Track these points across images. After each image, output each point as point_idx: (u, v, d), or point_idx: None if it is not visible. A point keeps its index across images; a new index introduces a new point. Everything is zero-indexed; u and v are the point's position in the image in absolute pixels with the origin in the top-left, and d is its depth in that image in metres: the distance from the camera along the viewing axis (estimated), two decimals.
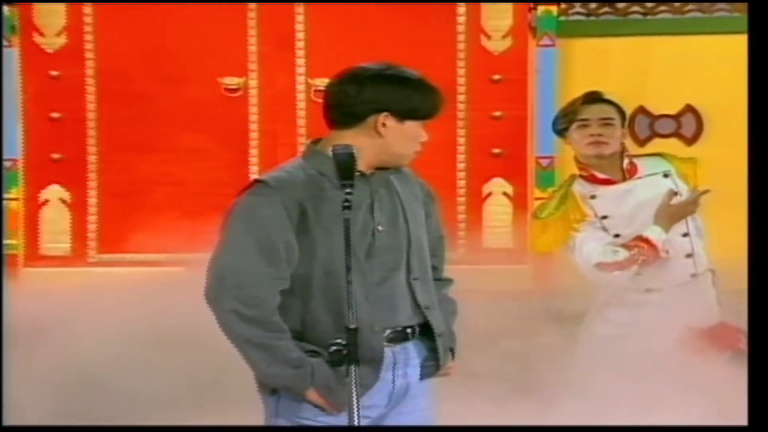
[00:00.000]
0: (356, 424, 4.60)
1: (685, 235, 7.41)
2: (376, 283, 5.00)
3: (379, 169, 5.15)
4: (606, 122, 7.32)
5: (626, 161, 7.44)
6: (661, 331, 7.25)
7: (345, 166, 4.80)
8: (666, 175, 7.45)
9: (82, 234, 11.03)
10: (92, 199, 11.02)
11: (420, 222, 5.22)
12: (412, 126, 5.05)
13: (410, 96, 5.05)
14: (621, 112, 7.54)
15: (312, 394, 4.94)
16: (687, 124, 10.93)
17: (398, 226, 5.10)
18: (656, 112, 10.89)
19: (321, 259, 4.95)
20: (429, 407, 5.30)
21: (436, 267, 5.36)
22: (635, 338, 7.28)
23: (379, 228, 5.02)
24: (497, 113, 10.95)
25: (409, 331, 5.07)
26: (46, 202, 11.04)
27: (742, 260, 9.83)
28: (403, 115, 5.01)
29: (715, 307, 7.50)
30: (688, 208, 7.38)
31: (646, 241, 7.18)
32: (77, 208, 11.03)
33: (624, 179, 7.38)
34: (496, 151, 10.98)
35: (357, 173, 4.90)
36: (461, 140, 11.00)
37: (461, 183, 10.74)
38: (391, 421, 5.15)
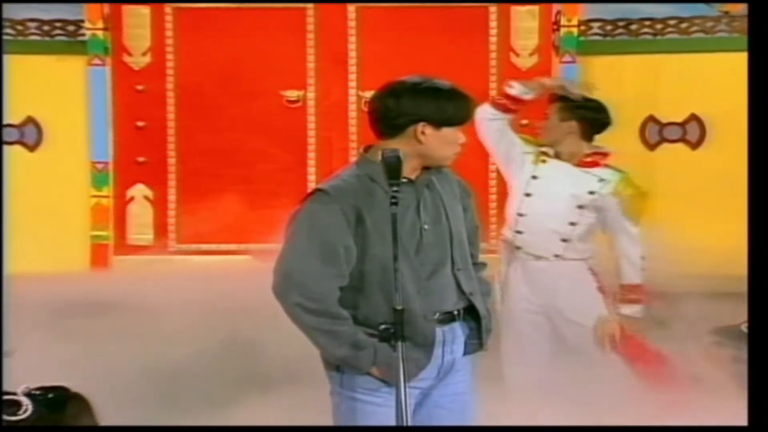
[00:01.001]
0: (404, 396, 4.59)
1: (572, 224, 7.42)
2: (425, 278, 4.96)
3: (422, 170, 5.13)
4: (545, 116, 7.67)
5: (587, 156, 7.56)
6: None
7: (392, 168, 4.73)
8: (601, 180, 7.42)
9: (163, 227, 11.10)
10: (172, 197, 11.11)
11: (459, 218, 5.17)
12: (449, 132, 4.99)
13: (444, 105, 5.00)
14: (568, 108, 7.64)
15: (374, 370, 4.94)
16: (692, 131, 10.91)
17: (441, 224, 5.06)
18: (664, 120, 10.88)
19: (377, 257, 4.91)
20: (470, 379, 5.23)
21: (473, 254, 5.28)
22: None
23: (425, 227, 4.98)
24: (524, 121, 10.86)
25: (455, 313, 5.03)
26: (132, 199, 11.10)
27: (741, 253, 9.94)
28: (439, 123, 4.97)
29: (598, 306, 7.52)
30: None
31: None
32: (159, 204, 11.11)
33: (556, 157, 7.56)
34: None
35: (404, 179, 4.87)
36: None
37: (492, 182, 10.48)
38: (438, 391, 5.11)
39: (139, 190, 11.14)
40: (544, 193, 7.46)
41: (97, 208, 11.02)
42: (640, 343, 7.01)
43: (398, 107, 4.99)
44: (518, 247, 7.49)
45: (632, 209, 7.52)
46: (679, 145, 10.85)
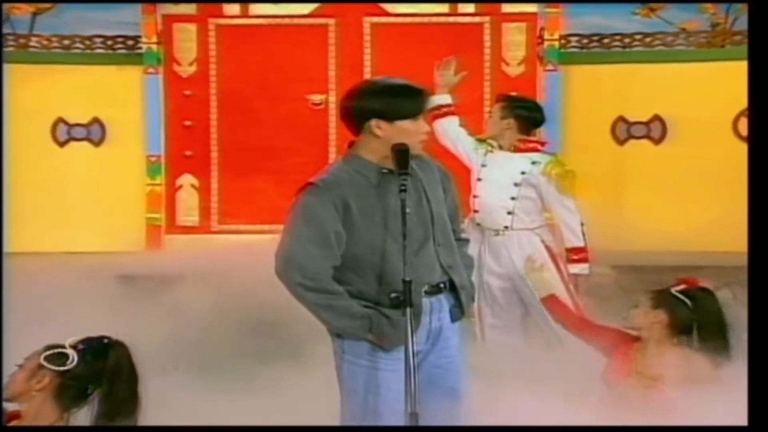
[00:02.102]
0: (412, 354, 4.62)
1: (513, 198, 7.57)
2: (413, 254, 4.80)
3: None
4: (504, 119, 7.72)
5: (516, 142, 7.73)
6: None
7: (400, 159, 4.76)
8: (533, 163, 7.58)
9: (206, 210, 11.06)
10: (214, 184, 11.05)
11: (440, 200, 5.05)
12: (404, 124, 4.86)
13: (393, 101, 4.88)
14: (507, 107, 7.84)
15: (371, 337, 4.88)
16: (655, 129, 10.89)
17: (422, 206, 4.93)
18: (632, 119, 10.88)
19: (364, 239, 4.84)
20: (459, 344, 5.13)
21: (455, 230, 5.18)
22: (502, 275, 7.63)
23: (408, 211, 4.79)
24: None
25: (441, 285, 4.94)
26: (180, 186, 11.09)
27: (697, 232, 9.95)
28: (390, 117, 4.85)
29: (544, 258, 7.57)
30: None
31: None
32: (203, 191, 11.06)
33: (503, 149, 7.72)
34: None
35: (384, 169, 4.87)
36: None
37: None
38: (434, 355, 5.01)
39: (187, 179, 11.13)
40: (490, 176, 7.63)
41: (151, 195, 11.03)
42: (579, 316, 6.78)
43: (354, 107, 4.92)
44: (478, 224, 7.59)
45: (563, 185, 7.59)
46: (644, 141, 10.84)
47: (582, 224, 7.62)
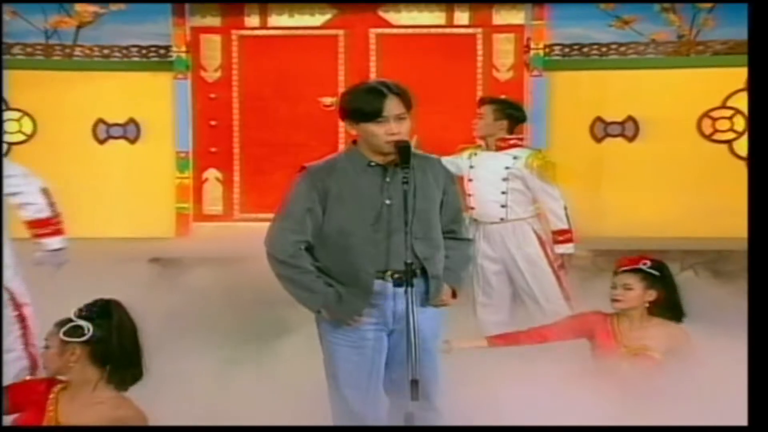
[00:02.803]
0: (413, 334, 4.48)
1: (504, 193, 7.49)
2: (378, 241, 4.71)
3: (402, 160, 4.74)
4: (480, 116, 7.60)
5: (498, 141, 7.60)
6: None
7: (402, 154, 4.65)
8: (515, 158, 7.51)
9: (229, 200, 11.07)
10: (236, 178, 11.07)
11: (430, 198, 4.83)
12: (367, 126, 4.70)
13: (354, 105, 4.75)
14: (500, 109, 7.66)
15: (323, 312, 4.79)
16: (629, 128, 10.93)
17: (406, 200, 4.66)
18: (608, 120, 10.92)
19: (334, 220, 4.73)
20: (438, 323, 4.91)
21: (455, 230, 4.98)
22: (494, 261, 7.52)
23: (387, 202, 4.69)
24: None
25: (410, 273, 4.63)
26: (206, 179, 11.12)
27: (665, 220, 10.01)
28: (354, 120, 4.74)
29: (537, 253, 7.56)
30: None
31: None
32: (226, 183, 11.08)
33: (489, 148, 7.59)
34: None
35: (372, 163, 4.75)
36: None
37: None
38: (404, 335, 4.65)
39: (212, 173, 11.14)
40: (479, 176, 7.53)
41: (180, 187, 11.05)
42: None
43: (339, 109, 4.86)
44: (475, 219, 7.46)
45: (545, 174, 7.51)
46: (619, 139, 10.86)
47: (565, 208, 7.59)
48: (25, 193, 6.01)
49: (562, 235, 7.60)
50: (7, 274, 5.90)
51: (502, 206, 7.53)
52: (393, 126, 4.68)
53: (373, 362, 4.82)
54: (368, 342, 4.79)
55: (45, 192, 6.14)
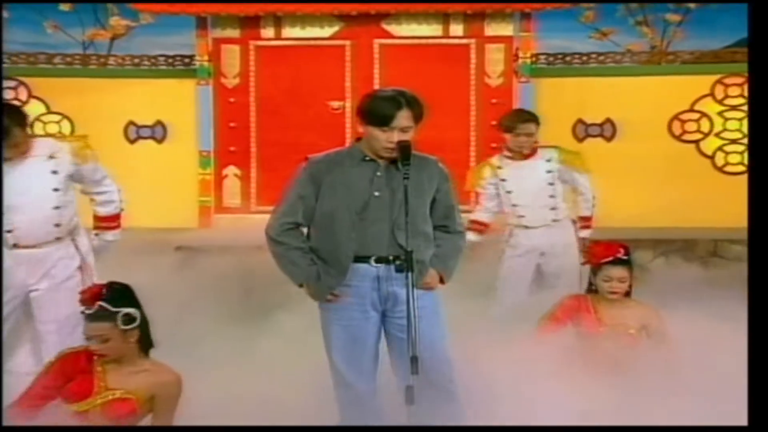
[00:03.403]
0: (413, 312, 4.41)
1: (552, 196, 7.24)
2: (362, 229, 4.67)
3: (402, 159, 4.66)
4: (529, 135, 7.18)
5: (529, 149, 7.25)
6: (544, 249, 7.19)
7: (403, 152, 4.59)
8: (548, 161, 7.26)
9: (247, 194, 11.06)
10: (253, 174, 11.06)
11: (420, 193, 4.73)
12: (372, 130, 4.65)
13: (368, 110, 4.69)
14: (538, 124, 7.33)
15: (305, 288, 4.80)
16: (607, 129, 10.97)
17: (394, 194, 4.65)
18: (589, 122, 10.93)
19: (327, 208, 4.69)
20: (433, 305, 4.79)
21: (447, 225, 4.88)
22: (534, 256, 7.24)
23: (376, 194, 4.65)
24: (494, 122, 10.44)
25: (391, 258, 4.63)
26: (226, 176, 11.11)
27: (639, 212, 10.05)
28: (365, 122, 4.67)
29: (573, 240, 7.32)
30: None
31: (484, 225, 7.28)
32: (244, 179, 11.08)
33: (523, 158, 7.21)
34: (494, 145, 9.84)
35: (367, 158, 4.72)
36: (473, 138, 10.90)
37: (472, 163, 10.03)
38: (393, 318, 4.73)
39: (231, 170, 11.12)
40: (520, 186, 7.22)
41: (202, 182, 11.05)
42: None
43: (357, 108, 4.81)
44: (525, 226, 7.21)
45: (578, 165, 7.38)
46: (598, 139, 10.87)
47: (594, 197, 7.43)
48: (110, 192, 6.03)
49: (587, 221, 7.44)
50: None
51: (552, 209, 7.28)
52: (395, 135, 4.63)
53: (362, 339, 4.77)
54: (354, 321, 4.75)
55: (120, 192, 6.22)
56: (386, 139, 4.65)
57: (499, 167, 7.34)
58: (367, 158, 4.74)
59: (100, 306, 4.59)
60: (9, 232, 5.52)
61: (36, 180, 5.54)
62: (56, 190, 5.61)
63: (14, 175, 5.47)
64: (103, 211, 6.01)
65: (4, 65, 10.98)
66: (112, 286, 4.69)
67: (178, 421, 4.68)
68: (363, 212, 4.68)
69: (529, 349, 5.55)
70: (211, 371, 5.39)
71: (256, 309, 7.14)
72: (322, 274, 4.76)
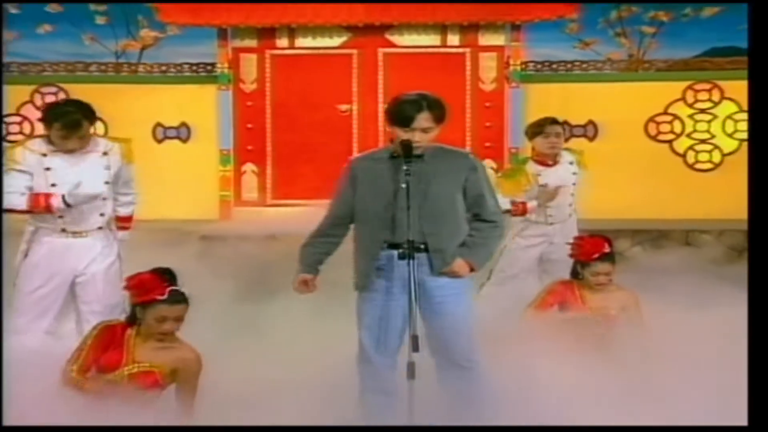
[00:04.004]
0: (413, 295, 4.37)
1: (573, 194, 7.10)
2: (389, 217, 4.58)
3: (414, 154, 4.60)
4: (558, 135, 7.01)
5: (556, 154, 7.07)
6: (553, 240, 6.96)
7: (405, 150, 4.53)
8: (571, 163, 7.13)
9: (263, 189, 11.09)
10: (268, 171, 11.08)
11: (446, 184, 4.64)
12: (397, 130, 4.58)
13: (392, 112, 4.63)
14: (564, 128, 7.29)
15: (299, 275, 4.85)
16: (590, 130, 10.98)
17: (418, 185, 4.54)
18: (573, 123, 10.77)
19: (362, 201, 4.65)
20: (460, 292, 4.70)
21: (479, 213, 4.72)
22: (543, 245, 7.09)
23: (402, 185, 4.52)
24: (488, 124, 10.94)
25: (418, 246, 4.52)
26: (244, 172, 11.12)
27: (618, 205, 9.97)
28: (391, 123, 4.62)
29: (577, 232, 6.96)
30: (549, 194, 6.93)
31: (524, 204, 6.88)
32: (260, 175, 11.10)
33: (555, 164, 7.01)
34: (488, 144, 10.85)
35: (395, 155, 4.63)
36: (468, 139, 10.85)
37: None
38: (424, 301, 4.55)
39: (249, 167, 11.12)
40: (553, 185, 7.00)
41: (223, 178, 11.03)
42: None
43: (385, 111, 4.76)
44: (550, 223, 7.01)
45: (583, 164, 7.23)
46: (582, 139, 10.76)
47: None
48: (133, 195, 5.96)
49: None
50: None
51: (570, 204, 7.17)
52: (416, 135, 4.55)
53: (386, 319, 4.67)
54: (382, 303, 4.66)
55: (137, 197, 6.10)
56: (409, 137, 4.57)
57: (537, 174, 7.05)
58: (395, 155, 4.67)
59: (174, 290, 4.59)
60: (60, 217, 5.49)
61: (92, 173, 5.53)
62: (107, 183, 5.62)
63: (74, 167, 5.49)
64: (123, 211, 5.95)
65: (46, 73, 11.16)
66: (169, 271, 4.66)
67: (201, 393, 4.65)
68: (392, 203, 4.61)
69: (521, 328, 5.56)
70: (228, 344, 5.40)
71: (269, 291, 7.05)
72: (359, 260, 4.72)
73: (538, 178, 7.02)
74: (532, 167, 7.09)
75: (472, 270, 4.73)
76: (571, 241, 6.11)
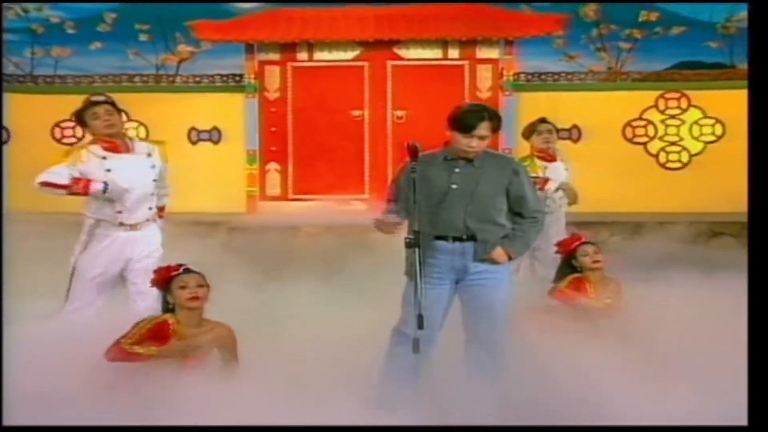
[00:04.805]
0: (419, 282, 4.37)
1: (557, 190, 7.11)
2: (440, 213, 4.59)
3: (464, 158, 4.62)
4: (549, 131, 7.22)
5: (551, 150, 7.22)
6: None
7: (412, 152, 4.54)
8: (562, 160, 7.28)
9: (285, 186, 11.05)
10: (290, 169, 11.03)
11: (491, 186, 4.64)
12: (457, 135, 4.57)
13: (455, 118, 4.60)
14: (556, 128, 7.44)
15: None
16: (574, 133, 10.95)
17: (467, 186, 4.59)
18: (560, 127, 9.68)
19: (420, 196, 4.51)
20: (499, 277, 4.69)
21: (520, 212, 4.73)
22: None
23: (453, 186, 4.58)
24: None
25: (463, 237, 4.59)
26: (268, 170, 11.08)
27: (598, 199, 9.88)
28: (452, 128, 4.59)
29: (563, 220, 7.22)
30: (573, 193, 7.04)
31: (546, 179, 6.92)
32: (283, 173, 11.05)
33: (553, 160, 7.19)
34: None
35: (449, 158, 4.63)
36: None
37: None
38: (466, 284, 4.63)
39: (272, 166, 11.08)
40: (556, 181, 7.08)
41: (249, 176, 11.01)
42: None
43: (448, 117, 4.69)
44: (548, 207, 6.71)
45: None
46: (567, 141, 10.56)
47: None
48: (167, 188, 6.01)
49: None
50: None
51: (561, 197, 7.22)
52: (474, 142, 4.56)
53: (436, 301, 4.61)
54: (432, 287, 4.58)
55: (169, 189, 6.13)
56: (467, 143, 4.59)
57: (544, 167, 7.15)
58: (448, 158, 4.67)
59: (187, 267, 4.74)
60: (119, 213, 5.62)
61: (141, 172, 5.66)
62: (155, 180, 5.75)
63: (129, 168, 5.60)
64: (160, 203, 5.99)
65: (96, 84, 11.20)
66: (180, 265, 4.81)
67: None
68: (443, 200, 4.62)
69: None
70: (252, 322, 5.33)
71: (290, 276, 7.17)
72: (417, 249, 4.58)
73: (545, 170, 7.11)
74: (537, 161, 7.20)
75: (510, 258, 4.75)
76: (557, 239, 6.14)
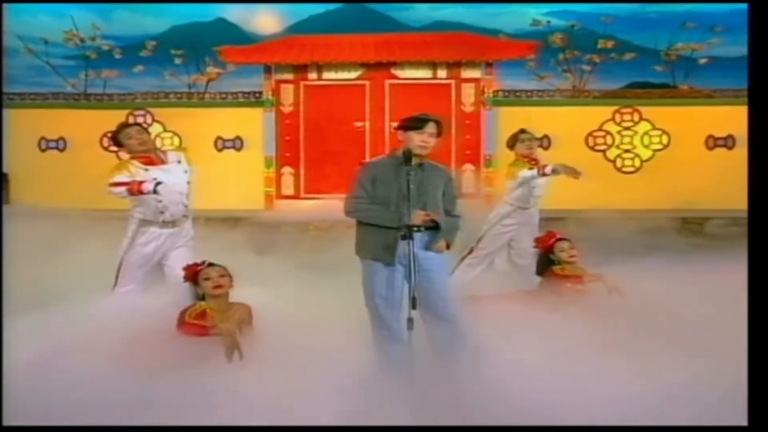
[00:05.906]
0: (413, 272, 4.37)
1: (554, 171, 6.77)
2: (401, 207, 4.52)
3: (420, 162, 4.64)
4: (530, 139, 7.04)
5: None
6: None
7: (405, 157, 4.54)
8: (545, 166, 6.78)
9: (297, 186, 11.05)
10: (302, 172, 11.04)
11: (437, 189, 4.69)
12: (411, 133, 4.59)
13: (408, 120, 4.63)
14: (535, 137, 7.27)
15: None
16: (545, 142, 10.79)
17: (422, 187, 4.59)
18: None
19: (378, 195, 4.57)
20: (442, 263, 4.69)
21: (450, 210, 4.75)
22: (513, 232, 6.94)
23: (411, 186, 4.50)
24: (468, 137, 10.86)
25: (414, 229, 4.49)
26: (283, 173, 11.06)
27: (564, 197, 9.85)
28: (406, 129, 4.61)
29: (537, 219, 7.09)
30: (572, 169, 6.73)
31: (544, 166, 6.76)
32: (296, 176, 11.06)
33: (537, 162, 6.94)
34: (468, 152, 10.84)
35: (400, 162, 4.59)
36: (453, 148, 10.70)
37: (452, 165, 10.19)
38: (418, 269, 4.48)
39: (287, 169, 11.07)
40: (540, 185, 7.00)
41: (267, 178, 10.97)
42: None
43: (399, 123, 4.73)
44: (528, 210, 6.94)
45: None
46: (539, 149, 10.17)
47: None
48: (189, 183, 5.94)
49: None
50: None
51: (538, 196, 7.07)
52: (426, 137, 4.60)
53: (391, 284, 4.60)
54: (383, 270, 4.60)
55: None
56: (420, 139, 4.62)
57: (531, 168, 6.92)
58: (400, 162, 4.64)
59: (210, 263, 4.79)
60: (161, 213, 5.65)
61: (177, 177, 5.69)
62: (188, 183, 5.78)
63: (168, 174, 5.63)
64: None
65: (138, 101, 11.25)
66: (204, 261, 4.83)
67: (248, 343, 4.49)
68: (403, 201, 4.56)
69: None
70: (274, 301, 5.30)
71: (302, 264, 7.11)
72: (374, 240, 4.62)
73: (532, 173, 6.88)
74: (524, 163, 7.03)
75: (447, 247, 4.77)
76: (534, 236, 6.07)
